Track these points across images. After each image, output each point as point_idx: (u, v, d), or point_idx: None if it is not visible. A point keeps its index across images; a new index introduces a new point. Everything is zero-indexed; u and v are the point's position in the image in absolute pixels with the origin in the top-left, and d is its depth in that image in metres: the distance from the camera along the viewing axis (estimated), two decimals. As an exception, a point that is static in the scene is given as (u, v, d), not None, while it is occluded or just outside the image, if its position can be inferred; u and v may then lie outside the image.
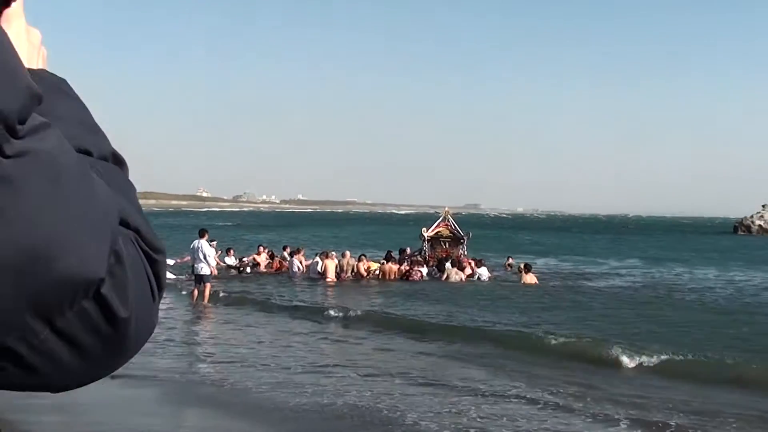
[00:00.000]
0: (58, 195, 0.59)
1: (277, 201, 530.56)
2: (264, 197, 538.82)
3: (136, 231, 0.69)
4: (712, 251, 46.01)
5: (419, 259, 24.36)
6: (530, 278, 22.60)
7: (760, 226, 79.86)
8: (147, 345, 0.71)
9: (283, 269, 24.51)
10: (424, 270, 23.15)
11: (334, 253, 24.07)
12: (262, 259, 25.14)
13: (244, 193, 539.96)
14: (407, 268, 22.91)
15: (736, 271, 29.82)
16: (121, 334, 0.65)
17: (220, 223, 77.46)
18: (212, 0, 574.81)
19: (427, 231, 25.59)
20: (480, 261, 24.30)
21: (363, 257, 23.79)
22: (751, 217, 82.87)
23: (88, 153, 0.73)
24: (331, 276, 22.46)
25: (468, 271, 23.25)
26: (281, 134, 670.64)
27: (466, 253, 25.48)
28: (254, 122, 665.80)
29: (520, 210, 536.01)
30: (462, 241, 25.61)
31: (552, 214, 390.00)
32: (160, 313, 0.84)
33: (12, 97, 0.57)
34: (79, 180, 0.62)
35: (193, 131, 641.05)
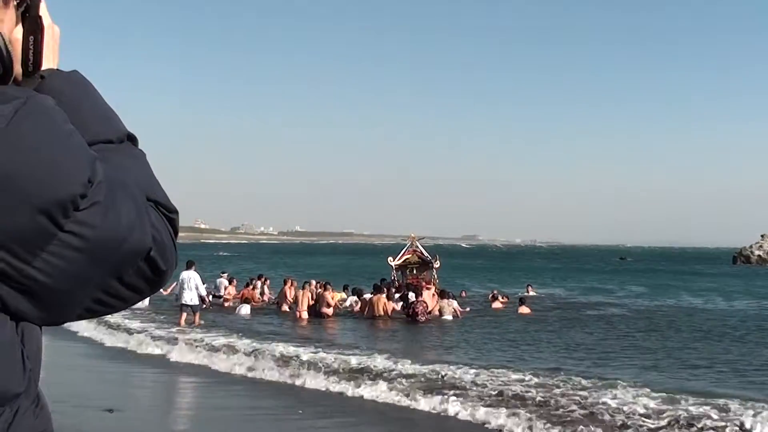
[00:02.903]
0: (128, 198, 0.99)
1: (275, 233, 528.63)
2: (262, 229, 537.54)
3: (155, 201, 1.05)
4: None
5: (393, 290, 22.06)
6: (524, 309, 22.09)
7: (759, 256, 78.43)
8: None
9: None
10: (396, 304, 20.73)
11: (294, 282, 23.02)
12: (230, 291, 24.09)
13: (242, 225, 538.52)
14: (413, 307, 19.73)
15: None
16: (161, 278, 1.05)
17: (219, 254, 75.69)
18: (232, 32, 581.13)
19: (393, 260, 23.72)
20: (446, 292, 21.87)
21: (328, 286, 21.48)
22: (750, 247, 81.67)
23: (110, 141, 1.07)
24: (298, 306, 20.81)
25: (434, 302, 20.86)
26: (279, 165, 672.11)
27: (436, 276, 23.60)
28: (252, 153, 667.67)
29: (518, 241, 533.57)
30: (430, 264, 23.58)
31: (550, 245, 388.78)
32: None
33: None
34: (135, 194, 1.02)
35: (189, 162, 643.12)
